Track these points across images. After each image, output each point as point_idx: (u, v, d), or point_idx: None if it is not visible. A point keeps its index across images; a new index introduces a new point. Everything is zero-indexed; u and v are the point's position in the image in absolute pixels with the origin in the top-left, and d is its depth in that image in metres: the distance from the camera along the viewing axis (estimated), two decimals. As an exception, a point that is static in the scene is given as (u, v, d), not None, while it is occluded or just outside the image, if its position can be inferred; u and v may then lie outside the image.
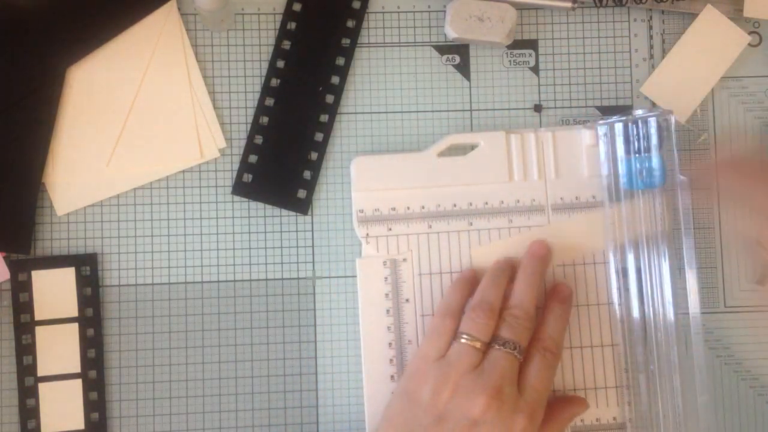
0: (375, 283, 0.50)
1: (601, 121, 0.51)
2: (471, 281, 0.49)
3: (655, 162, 0.49)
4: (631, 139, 0.50)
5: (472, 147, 0.51)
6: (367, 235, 0.51)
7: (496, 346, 0.44)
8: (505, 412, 0.43)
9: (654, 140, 0.50)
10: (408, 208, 0.51)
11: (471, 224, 0.51)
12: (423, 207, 0.51)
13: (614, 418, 0.50)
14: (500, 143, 0.51)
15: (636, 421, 0.49)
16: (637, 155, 0.50)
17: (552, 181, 0.51)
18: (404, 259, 0.51)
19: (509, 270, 0.49)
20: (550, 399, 0.46)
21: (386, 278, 0.50)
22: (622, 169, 0.50)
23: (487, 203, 0.51)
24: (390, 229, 0.51)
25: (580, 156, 0.52)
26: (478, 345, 0.45)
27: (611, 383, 0.50)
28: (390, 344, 0.50)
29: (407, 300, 0.50)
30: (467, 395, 0.43)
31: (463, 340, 0.45)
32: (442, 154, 0.51)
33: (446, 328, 0.46)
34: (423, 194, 0.51)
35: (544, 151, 0.51)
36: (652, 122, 0.49)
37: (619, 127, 0.50)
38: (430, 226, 0.51)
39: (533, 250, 0.49)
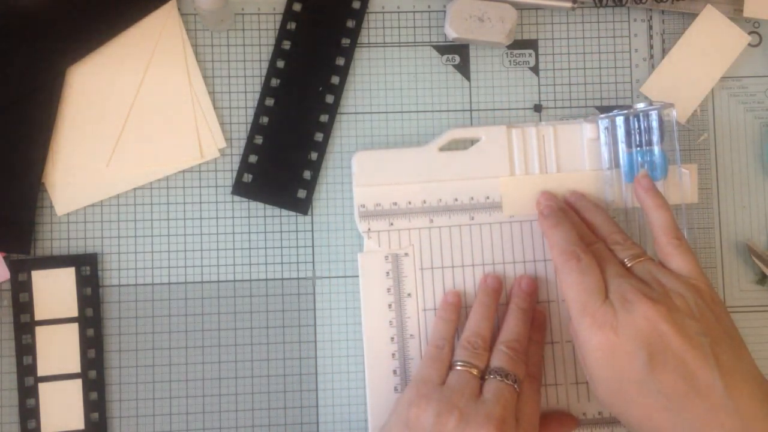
0: (377, 278, 0.50)
1: (602, 115, 0.51)
2: (456, 306, 0.50)
3: (657, 155, 0.49)
4: (633, 132, 0.50)
5: (473, 141, 0.51)
6: (369, 230, 0.51)
7: (498, 378, 0.44)
8: None
9: (655, 134, 0.50)
10: (409, 202, 0.51)
11: (472, 218, 0.51)
12: (424, 201, 0.51)
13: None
14: (501, 137, 0.51)
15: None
16: (638, 148, 0.50)
17: (553, 174, 0.51)
18: (406, 254, 0.51)
19: (497, 297, 0.49)
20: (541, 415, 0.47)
21: (388, 273, 0.50)
22: (623, 162, 0.50)
23: (488, 197, 0.51)
24: (391, 224, 0.51)
25: (581, 150, 0.52)
26: (475, 372, 0.45)
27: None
28: (392, 339, 0.50)
29: (409, 295, 0.50)
30: (472, 425, 0.42)
31: (459, 367, 0.45)
32: (443, 148, 0.51)
33: (443, 354, 0.47)
34: (424, 189, 0.51)
35: (546, 145, 0.51)
36: (654, 116, 0.49)
37: (620, 120, 0.50)
38: (431, 221, 0.51)
39: (523, 286, 0.50)
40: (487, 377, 0.45)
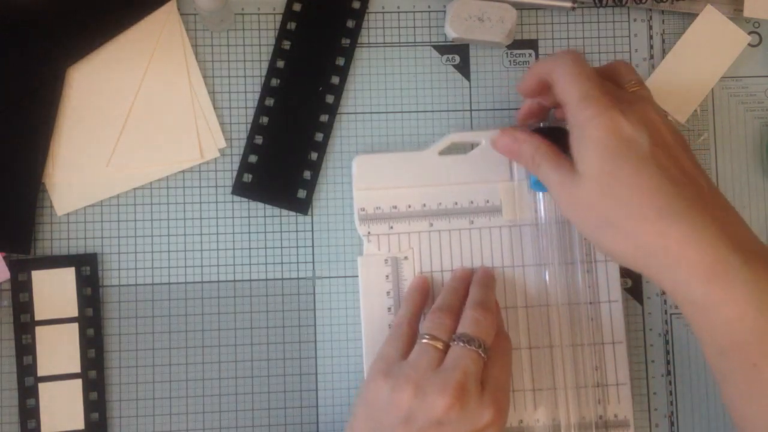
0: (376, 281, 0.50)
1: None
2: (424, 289, 0.50)
3: None
4: None
5: (473, 145, 0.51)
6: (369, 233, 0.51)
7: (460, 343, 0.44)
8: (469, 410, 0.42)
9: None
10: (409, 206, 0.51)
11: (472, 222, 0.51)
12: (424, 205, 0.51)
13: (615, 415, 0.50)
14: (501, 142, 0.51)
15: (639, 419, 0.49)
16: None
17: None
18: (405, 258, 0.51)
19: (467, 281, 0.49)
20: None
21: (387, 276, 0.50)
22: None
23: (488, 201, 0.51)
24: (391, 228, 0.51)
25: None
26: (439, 345, 0.44)
27: (613, 381, 0.50)
28: (390, 343, 0.50)
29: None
30: (429, 395, 0.41)
31: (424, 341, 0.45)
32: (443, 152, 0.51)
33: (404, 332, 0.46)
34: (424, 192, 0.51)
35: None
36: None
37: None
38: (431, 225, 0.51)
39: (485, 271, 0.50)
40: (451, 344, 0.44)
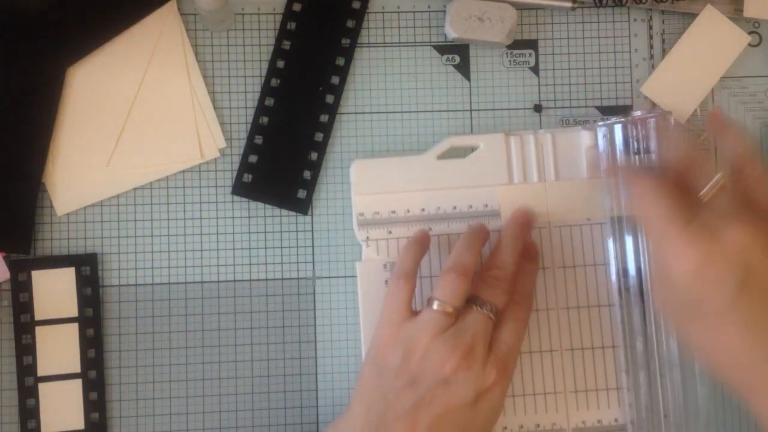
0: (375, 286, 0.50)
1: (600, 123, 0.51)
2: (424, 242, 0.48)
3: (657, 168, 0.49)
4: (630, 140, 0.50)
5: (472, 149, 0.51)
6: (368, 238, 0.51)
7: (475, 307, 0.44)
8: (475, 370, 0.43)
9: (653, 141, 0.50)
10: (408, 211, 0.51)
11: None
12: (423, 210, 0.51)
13: (616, 420, 0.50)
14: (499, 145, 0.51)
15: (637, 422, 0.49)
16: (637, 157, 0.50)
17: (551, 183, 0.51)
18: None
19: (484, 235, 0.48)
20: None
21: (387, 281, 0.50)
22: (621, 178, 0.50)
23: (487, 205, 0.51)
24: (390, 232, 0.51)
25: (579, 158, 0.52)
26: (450, 310, 0.44)
27: (612, 384, 0.50)
28: (390, 344, 0.50)
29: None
30: (438, 356, 0.42)
31: (435, 307, 0.44)
32: (441, 156, 0.51)
33: (402, 290, 0.45)
34: (423, 197, 0.51)
35: (544, 153, 0.51)
36: (651, 123, 0.49)
37: (618, 128, 0.50)
38: (430, 229, 0.51)
39: (516, 217, 0.49)
40: (468, 307, 0.44)
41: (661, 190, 0.42)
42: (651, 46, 0.54)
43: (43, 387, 0.49)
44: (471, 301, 0.45)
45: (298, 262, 0.52)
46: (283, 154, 0.52)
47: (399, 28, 0.53)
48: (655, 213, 0.41)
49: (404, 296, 0.45)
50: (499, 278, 0.45)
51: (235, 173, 0.52)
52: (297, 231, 0.52)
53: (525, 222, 0.49)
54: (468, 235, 0.47)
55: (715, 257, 0.39)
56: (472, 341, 0.43)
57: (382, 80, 0.53)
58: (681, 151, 0.46)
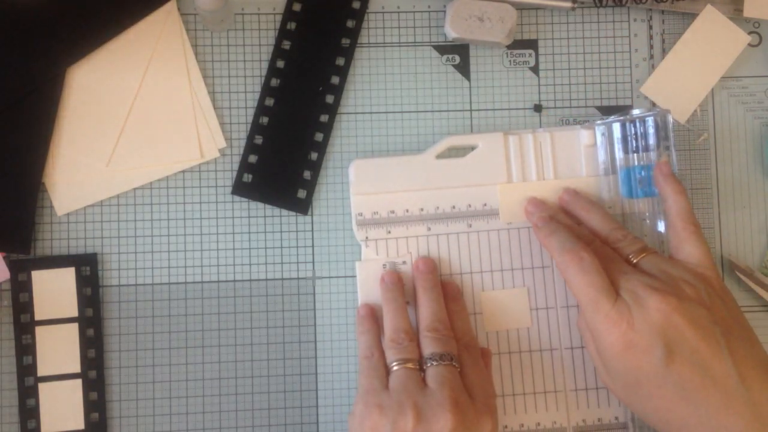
0: (375, 286, 0.50)
1: (599, 122, 0.51)
2: (370, 316, 0.49)
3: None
4: (629, 138, 0.50)
5: (471, 148, 0.51)
6: (367, 238, 0.51)
7: (434, 363, 0.44)
8: (470, 421, 0.42)
9: (651, 140, 0.50)
10: (407, 210, 0.51)
11: (470, 226, 0.51)
12: (422, 209, 0.51)
13: (616, 418, 0.50)
14: (498, 144, 0.51)
15: (638, 420, 0.49)
16: (635, 155, 0.50)
17: (550, 181, 0.51)
18: (404, 262, 0.50)
19: (401, 289, 0.49)
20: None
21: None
22: (621, 177, 0.50)
23: (486, 205, 0.51)
24: (389, 232, 0.51)
25: (578, 156, 0.52)
26: (411, 365, 0.45)
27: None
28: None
29: (407, 303, 0.50)
30: (431, 416, 0.42)
31: (395, 367, 0.45)
32: (440, 156, 0.51)
33: (375, 362, 0.46)
34: (422, 196, 0.51)
35: (543, 152, 0.51)
36: (650, 121, 0.50)
37: (616, 127, 0.50)
38: (429, 229, 0.51)
39: (421, 267, 0.49)
40: (425, 367, 0.45)
41: (591, 267, 0.44)
42: (651, 46, 0.54)
43: (43, 387, 0.49)
44: (430, 359, 0.45)
45: (298, 262, 0.52)
46: (283, 154, 0.52)
47: (399, 28, 0.53)
48: (586, 295, 0.43)
49: (380, 370, 0.45)
50: (438, 330, 0.46)
51: (235, 173, 0.52)
52: (297, 231, 0.52)
53: (429, 270, 0.49)
54: (388, 301, 0.48)
55: (641, 328, 0.42)
56: (453, 393, 0.43)
57: (382, 80, 0.53)
58: (607, 220, 0.48)
